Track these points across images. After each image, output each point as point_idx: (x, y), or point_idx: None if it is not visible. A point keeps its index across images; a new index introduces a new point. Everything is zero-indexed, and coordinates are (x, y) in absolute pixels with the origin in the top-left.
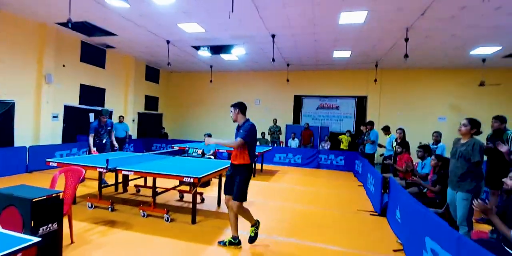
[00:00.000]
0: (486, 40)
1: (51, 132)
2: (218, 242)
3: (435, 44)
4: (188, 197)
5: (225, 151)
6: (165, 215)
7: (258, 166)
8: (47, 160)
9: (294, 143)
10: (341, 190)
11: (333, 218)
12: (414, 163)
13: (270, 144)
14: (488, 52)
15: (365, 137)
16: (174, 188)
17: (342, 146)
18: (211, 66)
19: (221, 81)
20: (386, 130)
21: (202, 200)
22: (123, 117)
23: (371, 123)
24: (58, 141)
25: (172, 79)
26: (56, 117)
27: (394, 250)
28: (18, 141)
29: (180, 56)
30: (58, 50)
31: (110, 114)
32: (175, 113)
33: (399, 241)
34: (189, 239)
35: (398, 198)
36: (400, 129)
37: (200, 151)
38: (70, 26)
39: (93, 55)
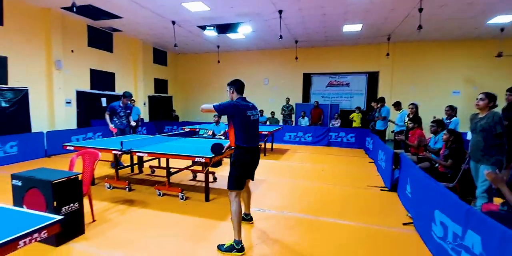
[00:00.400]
0: (505, 8)
1: (65, 118)
2: (217, 246)
3: (451, 13)
4: (200, 176)
5: None
6: (179, 193)
7: (268, 145)
8: (64, 144)
9: (304, 121)
10: (351, 167)
11: (344, 194)
12: (427, 139)
13: (282, 123)
14: (506, 21)
15: (376, 114)
16: (187, 168)
17: (354, 125)
18: (218, 46)
19: (228, 61)
20: (397, 105)
21: (215, 179)
22: (134, 100)
23: (383, 100)
24: (73, 126)
25: (180, 61)
26: (70, 102)
27: (404, 224)
28: (35, 127)
29: (186, 37)
30: (65, 35)
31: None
32: (185, 95)
33: (409, 215)
34: (203, 215)
35: (409, 173)
36: (412, 104)
37: (210, 132)
38: (74, 10)
39: (100, 39)
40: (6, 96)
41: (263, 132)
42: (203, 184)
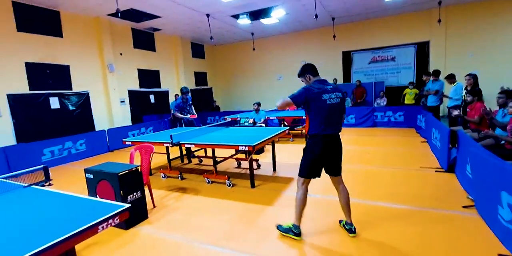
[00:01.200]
0: None
1: (121, 115)
2: (277, 226)
3: None
4: (245, 164)
5: (275, 118)
6: (226, 181)
7: None
8: (123, 140)
9: (346, 102)
10: (401, 148)
11: (395, 176)
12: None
13: None
14: None
15: (426, 88)
16: (231, 156)
17: (406, 101)
18: (252, 34)
19: (263, 47)
20: (450, 78)
21: (258, 166)
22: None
23: (437, 73)
24: (128, 122)
25: (217, 53)
26: (123, 101)
27: (464, 206)
28: (98, 126)
29: (220, 28)
30: (114, 40)
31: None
32: (223, 86)
33: (469, 197)
34: (250, 200)
35: (469, 152)
36: (468, 74)
37: (251, 120)
38: (119, 15)
39: (144, 40)
40: (72, 100)
41: (303, 117)
42: (248, 171)
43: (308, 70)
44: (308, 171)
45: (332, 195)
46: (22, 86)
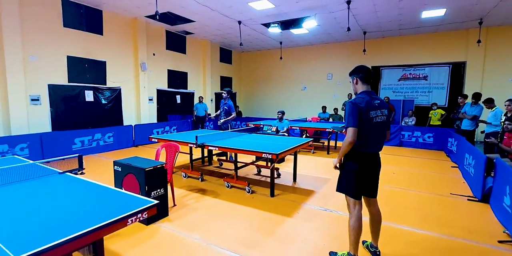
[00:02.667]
0: None
1: (148, 113)
2: (329, 253)
3: None
4: (264, 171)
5: (297, 128)
6: (246, 187)
7: (332, 143)
8: (150, 136)
9: None
10: (430, 171)
11: (422, 200)
12: None
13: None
14: None
15: (461, 110)
16: (253, 163)
17: (432, 122)
18: (280, 43)
19: (291, 57)
20: (489, 102)
21: (279, 175)
22: (202, 97)
23: (477, 96)
24: (154, 120)
25: (243, 59)
26: (152, 99)
27: (500, 241)
28: (126, 121)
29: (250, 35)
30: (148, 40)
31: (229, 92)
32: (248, 92)
33: (506, 231)
34: (270, 210)
35: (509, 183)
36: (509, 100)
37: (274, 129)
38: (157, 18)
39: (176, 42)
40: (105, 94)
41: (326, 130)
42: (267, 179)
43: (361, 73)
44: (355, 189)
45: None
46: (62, 78)
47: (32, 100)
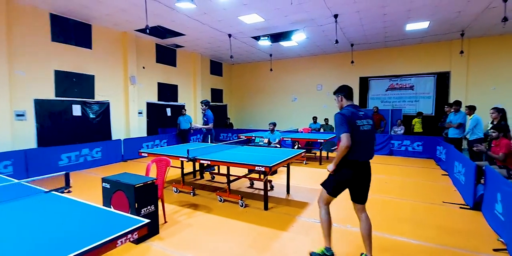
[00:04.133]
0: None
1: (138, 126)
2: (310, 253)
3: None
4: (257, 184)
5: (289, 139)
6: (239, 200)
7: (324, 153)
8: (139, 151)
9: None
10: (421, 179)
11: (415, 209)
12: None
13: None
14: None
15: (448, 120)
16: (245, 176)
17: (416, 129)
18: (270, 55)
19: (281, 68)
20: (470, 109)
21: (272, 187)
22: (185, 110)
23: (458, 103)
24: (144, 134)
25: (234, 71)
26: (141, 113)
27: (495, 250)
28: (114, 135)
29: (240, 48)
30: (138, 54)
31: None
32: (238, 104)
33: (500, 239)
34: (264, 224)
35: (500, 190)
36: (494, 108)
37: (266, 140)
38: (148, 32)
39: (166, 56)
40: (93, 109)
41: (318, 140)
42: (261, 192)
43: (344, 91)
44: (333, 188)
45: (349, 224)
46: (49, 93)
47: (17, 115)
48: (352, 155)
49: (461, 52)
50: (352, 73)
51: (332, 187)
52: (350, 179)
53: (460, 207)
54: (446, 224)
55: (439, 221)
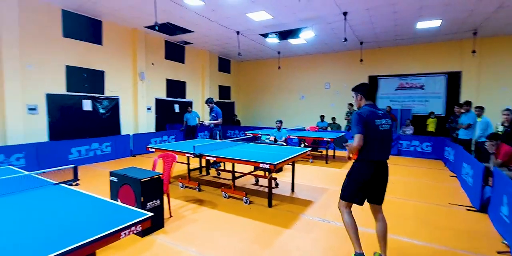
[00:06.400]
0: None
1: (146, 122)
2: None
3: None
4: (262, 181)
5: (295, 137)
6: (244, 197)
7: (330, 152)
8: (147, 146)
9: None
10: (428, 180)
11: (421, 210)
12: None
13: (345, 130)
14: None
15: (460, 122)
16: (250, 173)
17: (429, 128)
18: (278, 52)
19: (289, 66)
20: (479, 110)
21: (276, 185)
22: (190, 107)
23: (468, 103)
24: (152, 129)
25: (242, 68)
26: (150, 109)
27: (499, 252)
28: (123, 130)
29: (248, 45)
30: (147, 50)
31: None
32: (246, 101)
33: (505, 242)
34: (267, 221)
35: (507, 193)
36: (508, 109)
37: (272, 138)
38: (157, 28)
39: (175, 52)
40: (103, 104)
41: (325, 139)
42: (265, 189)
43: (364, 90)
44: (351, 195)
45: (363, 227)
46: (60, 87)
47: (30, 109)
48: (370, 155)
49: (473, 51)
50: (361, 71)
51: (349, 192)
52: (370, 179)
53: (467, 209)
54: (451, 226)
55: (445, 223)
